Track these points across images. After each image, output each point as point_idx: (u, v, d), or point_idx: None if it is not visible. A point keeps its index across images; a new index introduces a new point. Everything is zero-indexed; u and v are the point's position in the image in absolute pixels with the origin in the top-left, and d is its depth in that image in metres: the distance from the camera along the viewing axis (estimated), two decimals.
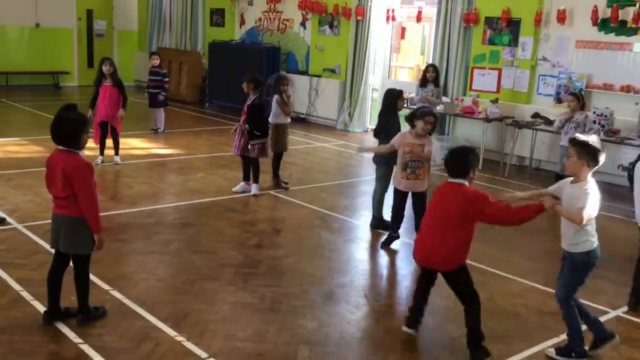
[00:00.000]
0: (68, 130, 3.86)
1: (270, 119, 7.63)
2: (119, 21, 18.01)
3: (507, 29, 10.13)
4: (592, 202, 3.69)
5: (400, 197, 5.90)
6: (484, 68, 10.48)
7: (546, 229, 6.87)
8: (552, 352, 4.08)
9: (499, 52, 10.27)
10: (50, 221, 4.09)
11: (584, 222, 3.68)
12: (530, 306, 4.85)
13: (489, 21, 10.34)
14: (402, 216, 5.99)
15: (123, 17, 18.06)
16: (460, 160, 3.91)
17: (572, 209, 3.71)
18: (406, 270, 5.59)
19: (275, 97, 7.70)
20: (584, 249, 3.84)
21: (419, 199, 5.83)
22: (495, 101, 9.83)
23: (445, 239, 3.85)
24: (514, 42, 10.09)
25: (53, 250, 4.12)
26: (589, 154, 3.72)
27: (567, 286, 3.94)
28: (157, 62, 11.20)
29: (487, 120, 9.70)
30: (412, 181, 5.75)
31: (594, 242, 3.85)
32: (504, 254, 6.00)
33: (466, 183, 3.89)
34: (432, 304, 4.75)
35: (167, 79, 11.32)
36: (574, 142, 3.80)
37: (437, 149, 9.93)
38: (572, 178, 3.84)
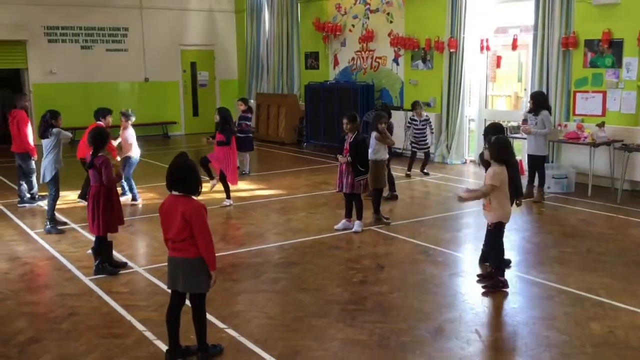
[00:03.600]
0: (184, 176, 4.13)
1: (369, 156, 7.73)
2: (220, 71, 18.98)
3: (609, 50, 9.76)
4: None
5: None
6: (587, 92, 10.12)
7: None
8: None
9: (602, 75, 9.90)
10: (166, 264, 4.34)
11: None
12: None
13: (589, 44, 10.01)
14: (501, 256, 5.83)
15: (224, 67, 19.04)
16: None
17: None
18: (515, 302, 5.43)
19: (374, 133, 7.81)
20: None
21: (487, 232, 5.83)
22: (601, 125, 9.43)
23: None
24: (617, 63, 9.69)
25: (170, 291, 4.37)
26: None
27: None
28: (243, 107, 11.59)
29: (594, 145, 9.31)
30: (484, 211, 5.74)
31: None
32: (624, 285, 5.68)
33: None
34: (549, 338, 4.60)
35: (249, 123, 11.71)
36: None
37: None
38: None
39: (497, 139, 5.69)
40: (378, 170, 7.81)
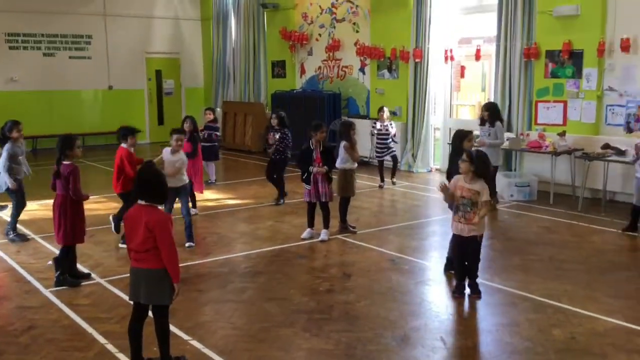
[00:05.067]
0: (150, 185, 4.08)
1: (337, 164, 7.76)
2: (186, 79, 18.83)
3: (569, 61, 9.99)
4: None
5: (455, 242, 5.77)
6: (549, 101, 10.33)
7: (628, 265, 6.63)
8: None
9: (563, 85, 10.12)
10: (129, 275, 4.25)
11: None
12: (617, 345, 4.64)
13: (550, 54, 10.23)
14: (462, 263, 5.76)
15: (190, 75, 18.89)
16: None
17: None
18: (479, 309, 5.49)
19: (343, 143, 7.80)
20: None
21: (470, 245, 5.63)
22: (562, 134, 9.63)
23: None
24: (577, 73, 9.92)
25: (132, 303, 4.28)
26: None
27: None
28: (210, 116, 11.46)
29: (556, 153, 9.50)
30: (462, 225, 5.58)
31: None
32: (585, 291, 5.79)
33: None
34: (513, 344, 4.65)
35: (218, 133, 11.54)
36: None
37: (504, 185, 9.86)
38: None
39: (479, 154, 5.72)
40: (347, 179, 7.82)
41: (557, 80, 10.20)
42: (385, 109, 11.22)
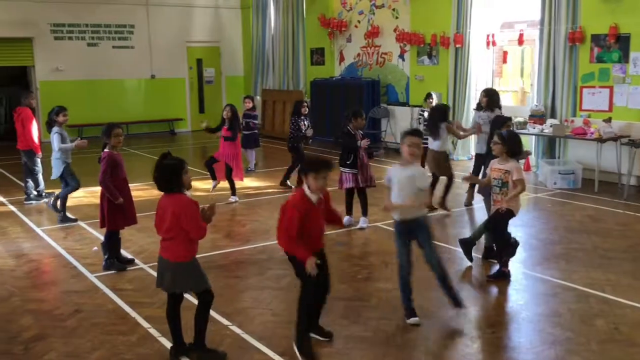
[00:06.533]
0: (166, 176, 4.16)
1: (436, 147, 8.18)
2: (227, 68, 18.98)
3: (615, 45, 9.70)
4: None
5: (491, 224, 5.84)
6: (594, 87, 10.06)
7: None
8: None
9: (609, 70, 9.84)
10: None
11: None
12: None
13: (596, 39, 9.95)
14: (507, 244, 5.80)
15: (230, 64, 19.03)
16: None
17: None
18: (519, 299, 5.41)
19: (444, 124, 8.10)
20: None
21: (495, 219, 5.69)
22: (608, 120, 9.38)
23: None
24: (624, 58, 9.63)
25: None
26: None
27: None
28: (249, 104, 11.62)
29: (601, 140, 9.26)
30: (494, 207, 5.72)
31: None
32: (629, 281, 5.65)
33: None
34: (554, 335, 4.57)
35: (256, 121, 11.70)
36: None
37: (547, 172, 9.68)
38: None
39: (511, 134, 5.72)
40: (446, 160, 8.37)
41: (603, 65, 9.92)
42: (434, 94, 10.85)
